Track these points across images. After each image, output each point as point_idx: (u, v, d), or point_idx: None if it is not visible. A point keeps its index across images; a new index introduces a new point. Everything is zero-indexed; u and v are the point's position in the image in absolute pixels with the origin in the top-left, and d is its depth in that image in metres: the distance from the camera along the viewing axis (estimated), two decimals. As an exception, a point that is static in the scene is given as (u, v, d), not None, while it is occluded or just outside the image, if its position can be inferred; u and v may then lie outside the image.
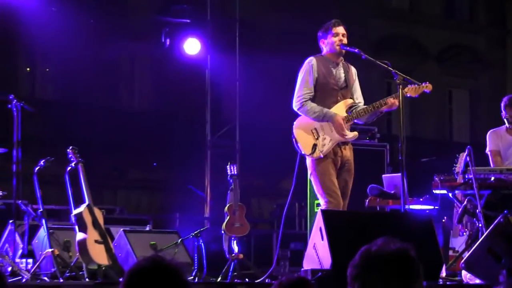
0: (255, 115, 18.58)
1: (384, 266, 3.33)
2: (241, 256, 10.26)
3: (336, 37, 8.48)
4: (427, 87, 8.47)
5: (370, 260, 3.36)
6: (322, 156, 8.31)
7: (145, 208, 17.59)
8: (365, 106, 8.61)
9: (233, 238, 10.76)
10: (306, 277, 4.69)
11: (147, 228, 11.80)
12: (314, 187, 8.48)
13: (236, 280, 9.15)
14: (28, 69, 20.30)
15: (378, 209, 9.80)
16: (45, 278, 8.23)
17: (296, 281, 4.17)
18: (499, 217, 7.90)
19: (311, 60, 8.57)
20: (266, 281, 8.60)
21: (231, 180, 10.99)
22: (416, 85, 8.43)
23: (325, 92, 8.53)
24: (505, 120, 9.74)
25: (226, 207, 10.95)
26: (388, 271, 3.32)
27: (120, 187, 19.11)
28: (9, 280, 7.51)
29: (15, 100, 8.68)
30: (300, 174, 8.91)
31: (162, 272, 3.76)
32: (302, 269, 7.79)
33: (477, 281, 7.78)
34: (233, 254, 10.30)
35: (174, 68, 18.36)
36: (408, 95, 8.46)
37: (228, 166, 11.14)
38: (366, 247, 3.41)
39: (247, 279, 9.19)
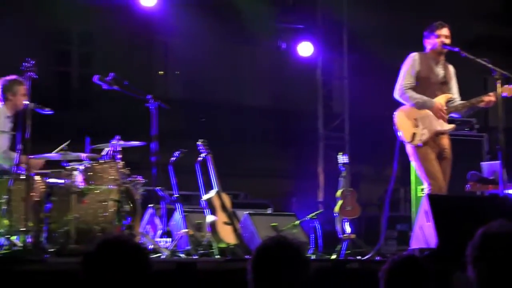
0: (362, 109, 18.47)
1: (508, 245, 3.25)
2: (352, 236, 10.23)
3: (439, 38, 8.40)
4: None
5: (493, 241, 3.28)
6: (421, 144, 8.25)
7: (266, 194, 17.58)
8: (463, 102, 8.50)
9: (345, 220, 10.74)
10: (415, 255, 4.65)
11: (269, 211, 11.88)
12: (418, 172, 8.44)
13: (349, 258, 9.13)
14: (161, 72, 20.62)
15: (478, 193, 9.63)
16: (181, 255, 8.35)
17: (407, 258, 4.15)
18: None
19: (415, 55, 8.51)
20: (376, 258, 8.57)
21: (342, 168, 10.96)
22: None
23: (425, 86, 8.44)
24: None
25: (339, 192, 10.92)
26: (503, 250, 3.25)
27: (244, 175, 19.20)
28: (151, 256, 7.65)
29: (152, 100, 8.83)
30: (403, 161, 8.84)
31: (286, 249, 3.79)
32: (410, 248, 7.74)
33: None
34: (345, 234, 10.28)
35: (289, 68, 18.44)
36: (504, 95, 8.28)
37: (339, 156, 11.12)
38: (485, 229, 3.32)
39: (358, 257, 9.13)
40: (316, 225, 10.36)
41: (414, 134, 8.27)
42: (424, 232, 7.29)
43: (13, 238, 7.39)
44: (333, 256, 9.54)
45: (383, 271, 4.02)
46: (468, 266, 3.30)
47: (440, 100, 8.40)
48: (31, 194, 7.63)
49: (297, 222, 10.08)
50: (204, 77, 19.88)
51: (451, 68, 8.68)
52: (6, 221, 7.40)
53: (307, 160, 17.85)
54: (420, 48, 8.69)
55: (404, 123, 8.37)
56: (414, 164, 8.46)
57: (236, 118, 20.25)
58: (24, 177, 7.54)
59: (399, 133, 8.37)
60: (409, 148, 8.40)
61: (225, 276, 6.61)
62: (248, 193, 15.65)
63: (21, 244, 7.27)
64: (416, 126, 8.30)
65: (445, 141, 8.42)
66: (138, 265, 3.51)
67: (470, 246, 3.31)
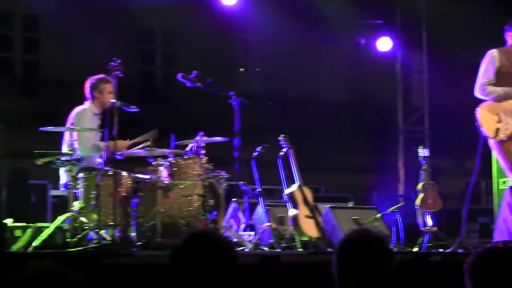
0: (441, 103, 18.27)
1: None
2: (434, 229, 10.10)
3: (521, 31, 8.25)
4: None
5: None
6: (505, 139, 8.08)
7: (346, 187, 17.53)
8: None
9: (426, 213, 10.61)
10: (501, 247, 4.55)
11: (350, 205, 11.81)
12: (501, 166, 8.27)
13: (432, 250, 9.01)
14: (241, 69, 20.71)
15: None
16: (265, 248, 8.36)
17: (493, 250, 4.07)
18: None
19: (493, 52, 8.34)
20: (458, 251, 8.44)
21: (423, 161, 10.82)
22: None
23: (506, 81, 8.27)
24: None
25: (420, 185, 10.78)
26: None
27: (323, 169, 19.16)
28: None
29: (235, 96, 8.85)
30: (485, 154, 8.69)
31: (370, 242, 3.76)
32: (493, 240, 7.62)
33: None
34: (427, 227, 10.16)
35: (368, 64, 18.34)
36: None
37: (419, 149, 10.99)
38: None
39: (440, 250, 9.00)
40: (398, 218, 10.27)
41: (497, 130, 8.12)
42: (507, 225, 7.18)
43: (102, 232, 7.49)
44: (415, 249, 9.43)
45: (468, 264, 3.95)
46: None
47: None
48: (119, 189, 7.74)
49: (379, 215, 10.00)
50: (284, 73, 19.94)
51: None
52: (95, 216, 7.52)
53: (387, 153, 17.74)
54: (501, 41, 8.52)
55: (487, 119, 8.21)
56: (497, 158, 8.31)
57: (316, 113, 20.23)
58: (112, 173, 7.65)
59: (482, 129, 8.22)
60: (492, 143, 8.26)
61: (309, 269, 6.59)
62: (328, 187, 15.59)
63: (110, 238, 7.37)
64: (499, 121, 8.14)
65: (531, 135, 8.23)
66: (225, 258, 3.52)
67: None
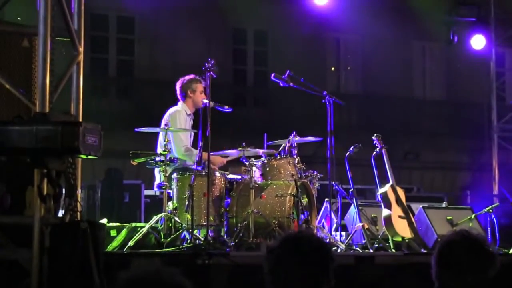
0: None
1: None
2: (531, 230, 9.88)
3: None
4: None
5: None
6: None
7: (439, 187, 17.36)
8: None
9: (525, 213, 10.39)
10: None
11: (443, 205, 11.62)
12: None
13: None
14: (333, 68, 20.66)
15: None
16: (357, 249, 8.28)
17: None
18: None
19: None
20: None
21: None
22: None
23: None
24: None
25: (517, 185, 10.57)
26: None
27: (416, 168, 18.99)
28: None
29: (328, 96, 8.79)
30: None
31: (471, 243, 3.68)
32: None
33: None
34: (523, 228, 9.95)
35: (461, 61, 18.11)
36: None
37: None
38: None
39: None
40: (493, 218, 10.05)
41: None
42: None
43: (195, 232, 7.53)
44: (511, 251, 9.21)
45: None
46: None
47: None
48: (212, 189, 7.77)
49: (473, 215, 9.79)
50: (376, 71, 19.81)
51: None
52: (188, 216, 7.55)
53: (482, 152, 17.49)
54: None
55: None
56: None
57: (408, 110, 20.09)
58: (205, 173, 7.68)
59: None
60: None
61: (404, 270, 6.50)
62: (421, 187, 15.42)
63: (203, 238, 7.40)
64: None
65: None
66: (323, 261, 3.50)
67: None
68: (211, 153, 7.70)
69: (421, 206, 9.92)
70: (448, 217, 9.62)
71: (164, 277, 2.94)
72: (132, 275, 2.94)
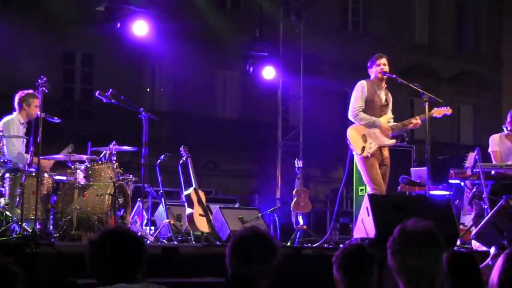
0: (314, 123, 18.58)
1: (418, 241, 3.22)
2: (305, 227, 10.25)
3: (379, 66, 8.37)
4: (448, 110, 8.34)
5: (407, 237, 3.23)
6: (369, 155, 8.22)
7: (233, 191, 17.62)
8: (396, 123, 8.50)
9: (299, 214, 10.74)
10: (362, 243, 4.64)
11: (236, 206, 11.83)
12: (364, 178, 8.32)
13: (304, 245, 9.11)
14: (148, 89, 20.59)
15: (407, 193, 9.67)
16: (164, 241, 8.29)
17: (356, 246, 4.14)
18: (501, 201, 7.76)
19: (363, 83, 8.40)
20: (325, 245, 8.57)
21: (298, 171, 10.96)
22: (441, 108, 8.33)
23: (371, 108, 8.39)
24: (504, 128, 9.48)
25: (294, 191, 10.93)
26: (421, 244, 3.20)
27: (214, 175, 19.21)
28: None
29: (144, 112, 8.76)
30: (345, 166, 8.83)
31: (259, 237, 3.75)
32: (353, 237, 7.74)
33: (484, 248, 7.65)
34: (299, 226, 10.28)
35: (255, 88, 18.49)
36: (434, 116, 8.32)
37: (295, 161, 11.13)
38: (402, 227, 3.26)
39: (309, 244, 9.12)
40: (275, 217, 10.35)
41: (363, 148, 8.24)
42: (364, 225, 7.30)
43: (24, 224, 7.28)
44: (289, 243, 9.51)
45: (336, 257, 4.00)
46: (388, 256, 3.25)
47: (384, 120, 8.41)
48: (40, 188, 7.55)
49: (260, 215, 10.02)
50: (184, 93, 19.97)
51: (389, 94, 8.67)
52: (18, 211, 7.30)
53: (268, 163, 17.89)
54: (364, 73, 8.66)
55: (355, 139, 8.31)
56: (361, 171, 8.40)
57: (210, 127, 20.33)
58: (35, 174, 7.46)
59: (351, 146, 8.32)
60: (357, 158, 8.35)
61: (203, 259, 6.57)
62: (218, 190, 15.60)
63: (31, 230, 7.17)
64: (365, 141, 8.28)
65: (386, 152, 8.40)
66: (137, 251, 3.50)
67: (390, 241, 3.26)
68: (40, 157, 7.47)
69: (218, 206, 10.04)
70: (239, 216, 9.76)
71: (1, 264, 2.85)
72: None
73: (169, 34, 17.04)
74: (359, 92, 8.39)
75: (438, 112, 8.33)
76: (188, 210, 8.85)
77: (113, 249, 3.43)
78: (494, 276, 4.06)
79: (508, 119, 9.27)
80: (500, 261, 3.83)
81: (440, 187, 9.68)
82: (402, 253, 3.18)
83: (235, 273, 3.67)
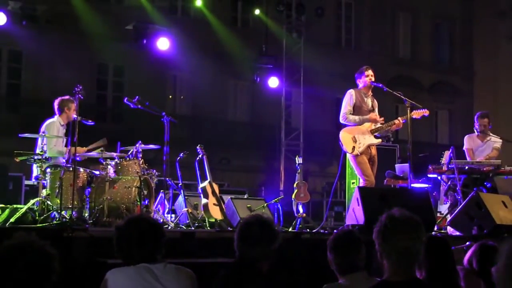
0: (312, 125, 18.59)
1: (407, 226, 3.19)
2: (304, 215, 10.17)
3: (367, 77, 8.40)
4: (426, 112, 8.36)
5: (397, 223, 3.19)
6: (359, 154, 8.22)
7: (243, 183, 17.58)
8: (381, 125, 8.48)
9: (299, 203, 10.70)
10: (352, 229, 4.63)
11: (245, 196, 11.78)
12: (355, 172, 8.40)
13: (303, 230, 9.07)
14: (170, 96, 20.61)
15: (392, 186, 9.63)
16: (183, 227, 8.27)
17: (347, 231, 4.12)
18: (472, 193, 7.72)
19: (351, 91, 8.47)
20: (321, 231, 8.54)
21: (298, 167, 10.92)
22: (419, 110, 8.33)
23: (360, 113, 8.41)
24: (475, 129, 9.50)
25: (295, 184, 10.87)
26: (410, 228, 3.19)
27: (227, 170, 19.19)
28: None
29: (166, 116, 8.74)
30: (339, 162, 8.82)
31: (262, 223, 3.75)
32: (345, 224, 7.72)
33: (457, 233, 7.61)
34: (299, 214, 10.23)
35: (262, 95, 18.53)
36: (414, 117, 8.32)
37: (296, 158, 11.08)
38: (389, 214, 3.24)
39: (308, 230, 9.09)
40: (279, 206, 10.30)
41: (353, 147, 8.26)
42: (355, 213, 7.27)
43: (63, 212, 7.27)
44: (290, 229, 9.47)
45: (330, 240, 3.99)
46: (376, 239, 3.22)
47: (371, 115, 8.44)
48: (77, 181, 7.54)
49: (265, 204, 9.99)
50: (202, 100, 20.02)
51: (375, 100, 8.66)
52: (58, 200, 7.29)
53: (273, 160, 17.89)
54: (353, 84, 8.67)
55: (346, 140, 8.33)
56: (352, 166, 8.43)
57: (223, 128, 20.35)
58: (72, 169, 7.45)
59: (343, 147, 8.34)
60: (349, 156, 8.38)
61: (216, 242, 6.56)
62: (230, 183, 15.58)
63: (68, 217, 7.15)
64: (355, 141, 8.29)
65: (374, 151, 8.41)
66: (157, 234, 3.50)
67: (376, 227, 3.24)
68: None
69: (229, 197, 10.01)
70: (248, 205, 9.72)
71: (36, 245, 2.85)
72: (13, 243, 2.84)
73: (188, 49, 17.11)
74: (348, 99, 8.42)
75: (417, 113, 8.35)
76: (204, 200, 8.82)
77: (136, 234, 3.43)
78: (466, 257, 4.07)
79: (476, 122, 9.39)
80: (473, 247, 3.85)
81: (420, 180, 9.62)
82: (394, 236, 3.16)
83: (242, 255, 3.67)
